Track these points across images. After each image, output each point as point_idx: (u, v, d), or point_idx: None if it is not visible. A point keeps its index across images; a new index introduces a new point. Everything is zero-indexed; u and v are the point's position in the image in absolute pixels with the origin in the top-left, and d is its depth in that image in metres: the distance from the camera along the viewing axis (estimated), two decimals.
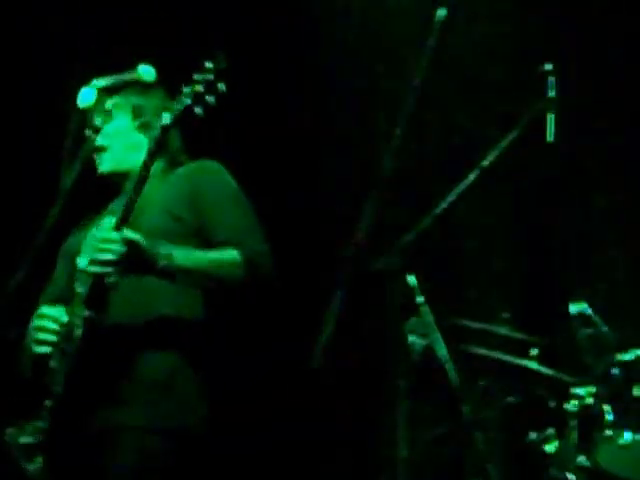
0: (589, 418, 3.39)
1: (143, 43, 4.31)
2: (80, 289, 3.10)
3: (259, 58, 4.66)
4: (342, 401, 4.51)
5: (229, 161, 3.44)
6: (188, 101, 3.10)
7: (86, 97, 3.34)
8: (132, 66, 3.36)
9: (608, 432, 3.36)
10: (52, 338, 3.12)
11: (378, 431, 4.35)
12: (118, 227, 3.05)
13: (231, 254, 3.20)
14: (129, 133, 3.48)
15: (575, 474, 3.38)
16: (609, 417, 3.36)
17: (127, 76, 3.36)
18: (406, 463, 2.80)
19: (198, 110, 3.11)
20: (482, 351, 3.67)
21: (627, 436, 3.35)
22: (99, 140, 3.42)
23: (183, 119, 3.14)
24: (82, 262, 3.08)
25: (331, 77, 4.80)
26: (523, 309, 4.21)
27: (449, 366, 3.16)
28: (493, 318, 3.86)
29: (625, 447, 3.35)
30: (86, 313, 3.08)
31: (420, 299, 3.07)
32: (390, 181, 2.85)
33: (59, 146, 3.31)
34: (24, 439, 3.05)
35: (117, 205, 3.30)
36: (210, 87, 3.10)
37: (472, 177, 2.94)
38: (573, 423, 3.41)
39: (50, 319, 3.14)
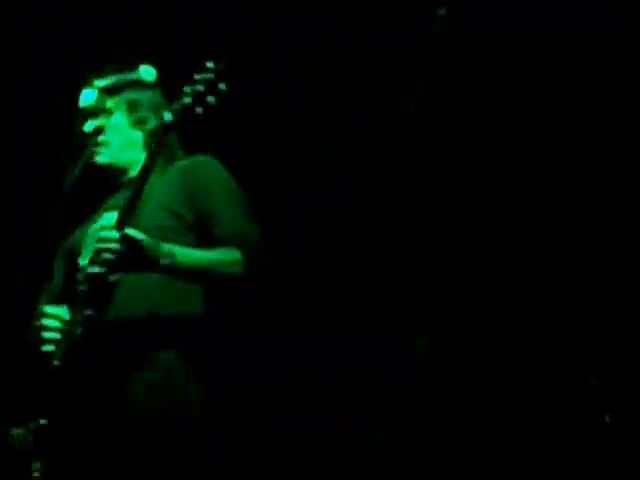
0: None
1: (143, 43, 4.31)
2: (81, 287, 3.10)
3: (259, 58, 4.66)
4: (342, 401, 4.51)
5: (229, 161, 3.44)
6: (189, 101, 3.11)
7: (87, 97, 3.34)
8: (132, 66, 3.37)
9: None
10: (55, 336, 3.12)
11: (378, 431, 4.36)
12: (119, 226, 3.05)
13: (231, 252, 3.20)
14: (125, 130, 3.46)
15: None
16: None
17: (128, 76, 3.36)
18: None
19: (199, 110, 3.11)
20: None
21: None
22: (99, 137, 3.43)
23: (184, 119, 3.14)
24: (83, 261, 3.08)
25: (331, 77, 4.80)
26: None
27: None
28: None
29: None
30: (87, 312, 3.08)
31: None
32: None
33: (59, 146, 3.31)
34: (26, 439, 3.05)
35: (116, 201, 3.30)
36: (211, 87, 3.10)
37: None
38: None
39: (52, 318, 3.15)
